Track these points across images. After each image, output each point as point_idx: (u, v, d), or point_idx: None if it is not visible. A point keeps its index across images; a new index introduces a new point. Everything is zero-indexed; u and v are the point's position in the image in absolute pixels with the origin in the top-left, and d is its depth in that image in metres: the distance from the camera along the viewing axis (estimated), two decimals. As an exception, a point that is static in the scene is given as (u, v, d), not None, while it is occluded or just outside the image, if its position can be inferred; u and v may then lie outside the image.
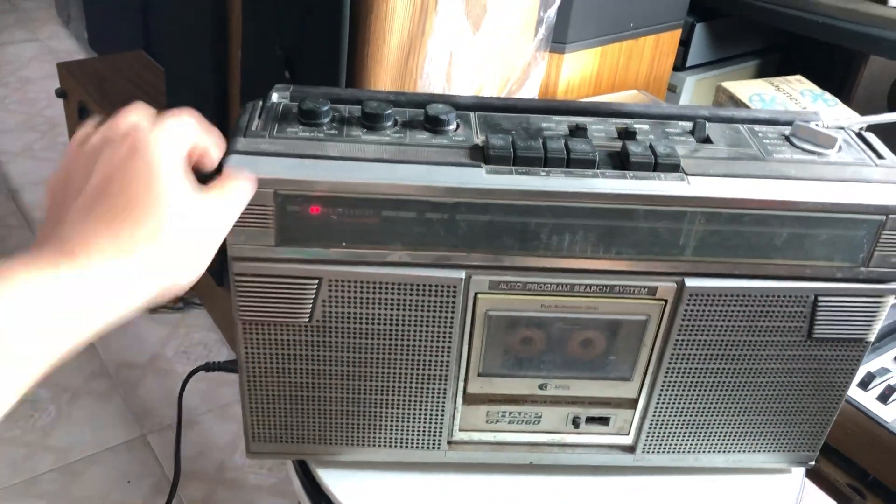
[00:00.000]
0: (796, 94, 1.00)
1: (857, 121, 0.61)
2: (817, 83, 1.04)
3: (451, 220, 0.52)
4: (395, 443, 0.62)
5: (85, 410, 1.42)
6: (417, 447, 0.62)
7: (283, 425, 0.61)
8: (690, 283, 0.55)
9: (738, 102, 0.99)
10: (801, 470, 0.69)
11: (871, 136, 0.59)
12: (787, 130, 0.58)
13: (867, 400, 0.77)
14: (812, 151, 0.56)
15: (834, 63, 1.11)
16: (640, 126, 0.57)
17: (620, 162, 0.53)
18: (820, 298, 0.56)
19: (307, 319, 0.55)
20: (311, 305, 0.54)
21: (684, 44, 1.26)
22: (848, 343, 0.59)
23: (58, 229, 0.39)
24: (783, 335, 0.57)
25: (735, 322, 0.57)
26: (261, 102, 0.56)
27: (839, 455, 0.81)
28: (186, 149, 0.44)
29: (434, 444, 0.62)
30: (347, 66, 0.85)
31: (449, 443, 0.63)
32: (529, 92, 0.96)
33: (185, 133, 0.44)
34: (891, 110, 0.79)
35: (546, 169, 0.52)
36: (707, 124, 0.57)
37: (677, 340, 0.57)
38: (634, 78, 1.15)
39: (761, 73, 1.32)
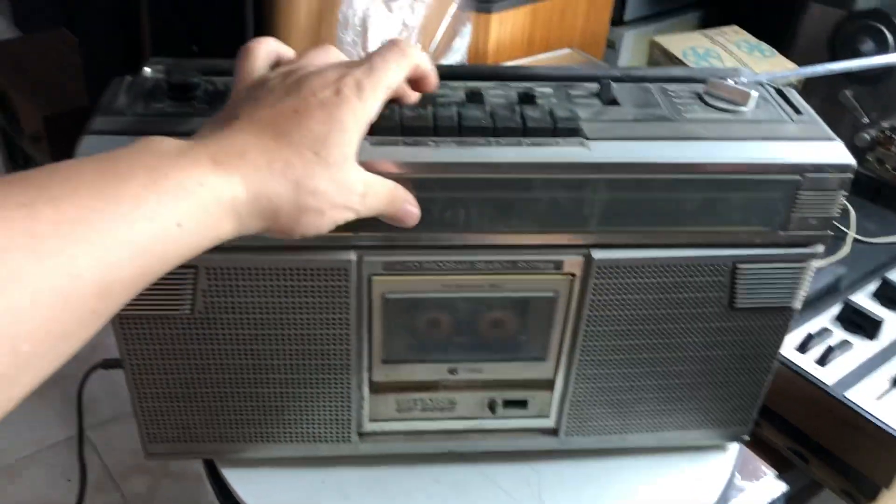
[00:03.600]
0: (731, 46, 0.96)
1: (783, 75, 0.57)
2: (756, 34, 1.00)
3: (333, 199, 0.47)
4: (301, 437, 0.58)
5: (21, 407, 1.34)
6: (326, 440, 0.59)
7: (178, 424, 0.57)
8: (598, 254, 0.51)
9: (671, 58, 0.95)
10: (736, 445, 0.66)
11: (790, 92, 0.56)
12: (700, 88, 0.55)
13: (806, 363, 0.74)
14: (725, 109, 0.52)
15: (773, 12, 1.06)
16: (543, 90, 0.53)
17: (517, 128, 0.49)
18: (739, 266, 0.53)
19: (189, 311, 0.51)
20: (190, 296, 0.50)
21: (621, -4, 1.19)
22: (772, 312, 0.55)
23: (227, 132, 0.39)
24: (703, 307, 0.54)
25: (650, 295, 0.53)
26: (130, 78, 0.52)
27: (780, 419, 0.78)
28: (379, 106, 0.43)
29: (343, 436, 0.59)
30: (256, 35, 0.79)
31: (360, 434, 0.59)
32: (455, 58, 0.91)
33: (388, 84, 0.43)
34: (832, 60, 0.75)
35: (436, 139, 0.48)
36: (614, 85, 0.54)
37: (590, 316, 0.54)
38: (570, 36, 1.10)
39: (704, 25, 1.27)
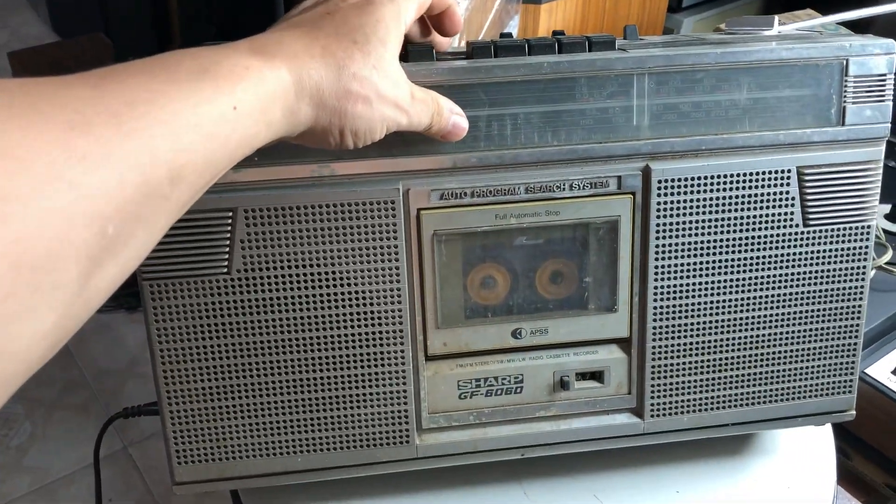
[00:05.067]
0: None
1: (808, 24, 0.58)
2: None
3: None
4: (354, 441, 0.51)
5: (62, 426, 1.30)
6: (382, 443, 0.51)
7: (213, 435, 0.50)
8: (656, 165, 0.48)
9: None
10: (832, 471, 0.58)
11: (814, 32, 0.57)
12: (720, 33, 0.56)
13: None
14: (751, 32, 0.53)
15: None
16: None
17: (551, 46, 0.48)
18: (804, 172, 0.50)
19: (225, 270, 0.47)
20: (227, 248, 0.46)
21: (680, -20, 1.10)
22: (848, 233, 0.51)
23: (262, 35, 0.39)
24: (775, 226, 0.50)
25: (717, 214, 0.50)
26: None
27: (875, 452, 0.69)
28: (414, 12, 0.43)
29: (402, 435, 0.51)
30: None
31: (419, 432, 0.52)
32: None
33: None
34: None
35: (470, 60, 0.47)
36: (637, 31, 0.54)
37: (657, 248, 0.50)
38: (624, 24, 1.05)
39: (768, 9, 1.16)
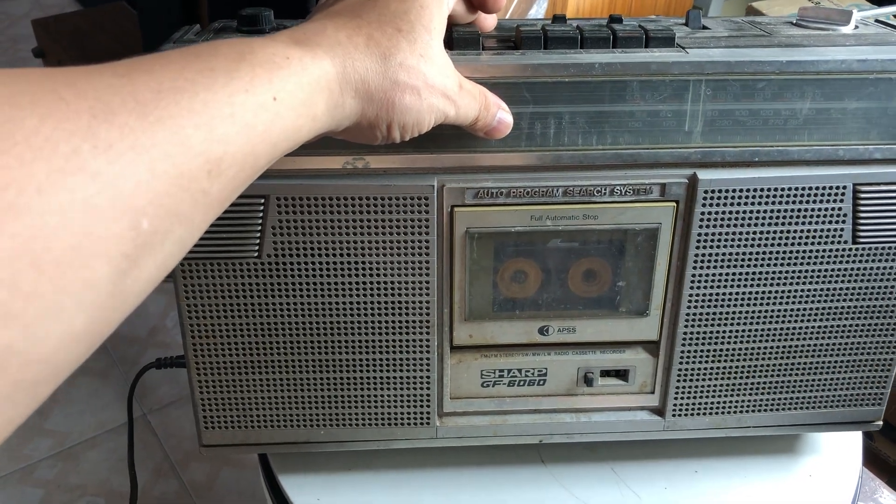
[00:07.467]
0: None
1: (886, 10, 0.54)
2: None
3: (414, 113, 0.44)
4: (376, 418, 0.52)
5: (83, 390, 1.34)
6: (403, 423, 0.52)
7: (238, 402, 0.51)
8: (704, 174, 0.46)
9: None
10: (858, 455, 0.58)
11: (891, 19, 0.52)
12: (793, 18, 0.52)
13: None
14: (825, 28, 0.49)
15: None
16: (628, 21, 0.50)
17: (606, 39, 0.46)
18: (860, 189, 0.47)
19: (256, 254, 0.47)
20: (258, 234, 0.46)
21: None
22: (900, 251, 0.49)
23: (302, 23, 0.37)
24: (823, 242, 0.48)
25: (763, 227, 0.48)
26: (197, 26, 0.51)
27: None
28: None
29: (422, 417, 0.52)
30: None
31: (440, 416, 0.52)
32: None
33: None
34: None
35: (520, 51, 0.45)
36: (701, 15, 0.51)
37: (697, 256, 0.48)
38: (653, 2, 1.01)
39: None
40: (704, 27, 0.50)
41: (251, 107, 0.31)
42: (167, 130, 0.27)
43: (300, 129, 0.34)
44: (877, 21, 0.52)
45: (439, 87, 0.38)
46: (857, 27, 0.50)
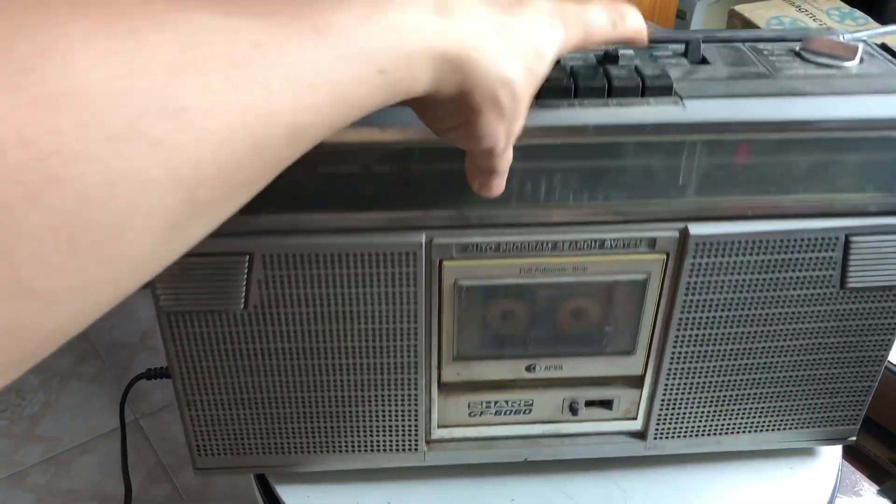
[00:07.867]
0: (821, 15, 0.89)
1: (877, 31, 0.52)
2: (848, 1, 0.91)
3: (402, 172, 0.43)
4: (365, 447, 0.53)
5: (75, 395, 1.34)
6: (390, 450, 0.53)
7: (230, 434, 0.52)
8: (695, 229, 0.46)
9: (753, 29, 0.89)
10: (838, 449, 0.60)
11: (896, 47, 0.50)
12: (797, 46, 0.49)
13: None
14: (829, 65, 0.47)
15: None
16: (624, 52, 0.48)
17: (601, 89, 0.44)
18: (852, 239, 0.47)
19: (242, 306, 0.46)
20: (244, 288, 0.46)
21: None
22: (885, 292, 0.49)
23: None
24: (811, 288, 0.48)
25: (753, 275, 0.47)
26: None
27: (881, 429, 0.71)
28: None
29: (410, 445, 0.53)
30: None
31: (427, 443, 0.54)
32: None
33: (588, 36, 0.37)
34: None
35: (512, 103, 0.43)
36: (702, 45, 0.49)
37: (685, 302, 0.48)
38: (636, 5, 1.00)
39: None
40: (703, 61, 0.48)
41: (354, 76, 0.27)
42: (254, 93, 0.23)
43: (389, 100, 0.29)
44: (883, 48, 0.50)
45: (515, 133, 0.35)
46: (862, 60, 0.48)
